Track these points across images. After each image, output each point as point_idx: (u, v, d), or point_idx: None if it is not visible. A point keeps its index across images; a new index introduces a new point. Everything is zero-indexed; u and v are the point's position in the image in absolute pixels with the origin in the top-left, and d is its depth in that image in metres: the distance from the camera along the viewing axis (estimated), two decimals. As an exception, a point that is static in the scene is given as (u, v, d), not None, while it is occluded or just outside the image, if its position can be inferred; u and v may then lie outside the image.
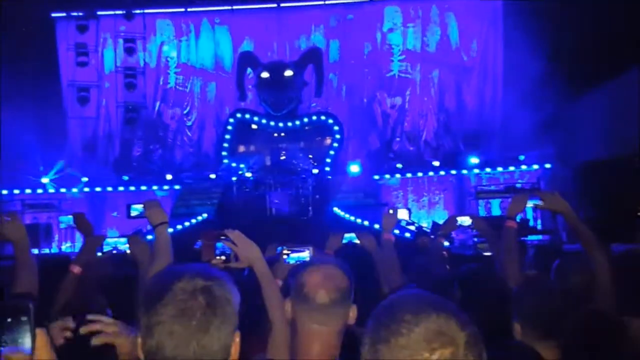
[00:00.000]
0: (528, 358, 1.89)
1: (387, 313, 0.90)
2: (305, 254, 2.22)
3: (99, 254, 2.96)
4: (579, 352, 1.87)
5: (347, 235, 3.54)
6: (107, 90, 14.69)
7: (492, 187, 12.27)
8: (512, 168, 12.36)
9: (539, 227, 10.87)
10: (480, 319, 2.24)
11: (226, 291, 1.12)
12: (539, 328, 1.87)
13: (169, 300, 1.08)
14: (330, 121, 13.72)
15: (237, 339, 1.15)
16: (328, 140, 13.76)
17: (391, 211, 3.13)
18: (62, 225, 11.14)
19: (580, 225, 2.43)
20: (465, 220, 3.74)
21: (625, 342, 1.56)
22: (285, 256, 2.26)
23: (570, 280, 2.50)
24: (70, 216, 3.01)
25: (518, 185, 11.73)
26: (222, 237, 1.95)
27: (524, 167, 12.22)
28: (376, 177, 12.97)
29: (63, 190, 12.45)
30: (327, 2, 14.66)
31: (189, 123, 14.99)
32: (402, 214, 12.18)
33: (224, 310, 1.10)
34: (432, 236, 5.26)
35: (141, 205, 2.15)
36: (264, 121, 13.83)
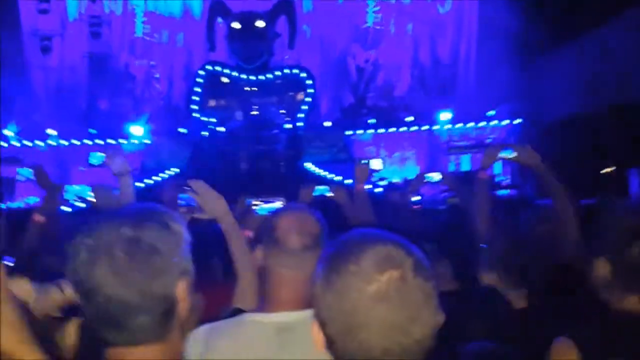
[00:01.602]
0: (497, 303, 1.94)
1: (338, 246, 0.98)
2: (277, 205, 2.20)
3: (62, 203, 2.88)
4: (545, 299, 1.92)
5: (319, 188, 3.52)
6: (71, 39, 14.09)
7: (463, 143, 12.38)
8: (482, 123, 12.44)
9: (508, 182, 11.09)
10: (452, 269, 2.28)
11: (158, 240, 1.00)
12: (511, 276, 1.93)
13: (88, 255, 0.98)
14: (303, 75, 13.47)
15: (182, 286, 1.03)
16: (301, 95, 13.55)
17: (364, 162, 3.11)
18: (20, 178, 10.85)
19: (550, 178, 2.47)
20: (434, 176, 3.77)
21: (586, 281, 1.60)
22: (255, 207, 2.23)
23: (537, 231, 2.55)
24: (30, 169, 2.93)
25: (488, 141, 11.86)
26: (186, 188, 1.91)
27: (494, 122, 12.32)
28: (349, 132, 12.92)
29: (28, 143, 12.06)
30: (300, -50, 14.19)
31: (157, 75, 14.56)
32: (376, 164, 12.27)
33: (149, 261, 0.98)
34: (403, 192, 5.29)
35: (101, 154, 2.08)
36: (235, 74, 13.51)
